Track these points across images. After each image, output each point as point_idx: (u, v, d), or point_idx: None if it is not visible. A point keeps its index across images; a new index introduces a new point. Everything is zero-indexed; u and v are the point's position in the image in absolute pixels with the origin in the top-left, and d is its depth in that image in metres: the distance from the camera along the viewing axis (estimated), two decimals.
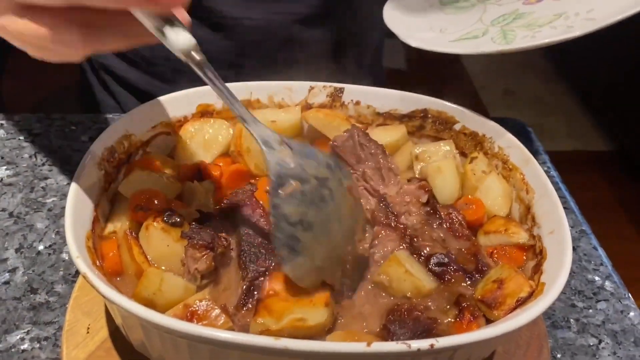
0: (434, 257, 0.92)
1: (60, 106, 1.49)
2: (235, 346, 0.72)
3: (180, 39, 0.73)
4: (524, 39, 1.05)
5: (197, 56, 0.76)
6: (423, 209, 0.98)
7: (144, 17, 0.71)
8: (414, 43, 1.13)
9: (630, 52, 3.61)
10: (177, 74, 1.56)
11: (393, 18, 1.23)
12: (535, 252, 0.93)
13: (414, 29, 1.19)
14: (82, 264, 0.79)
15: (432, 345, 0.72)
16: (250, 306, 0.81)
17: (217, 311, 0.83)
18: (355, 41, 1.62)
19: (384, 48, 1.85)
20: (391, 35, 1.21)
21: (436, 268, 0.91)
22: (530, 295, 0.84)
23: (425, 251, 0.94)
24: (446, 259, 0.92)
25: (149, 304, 0.81)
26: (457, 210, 1.00)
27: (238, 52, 1.49)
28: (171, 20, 0.72)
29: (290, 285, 0.82)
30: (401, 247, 0.94)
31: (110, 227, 0.95)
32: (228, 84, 1.12)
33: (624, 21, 0.99)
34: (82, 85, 1.75)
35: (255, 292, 0.83)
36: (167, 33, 0.72)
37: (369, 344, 0.71)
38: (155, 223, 0.90)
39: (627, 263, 1.47)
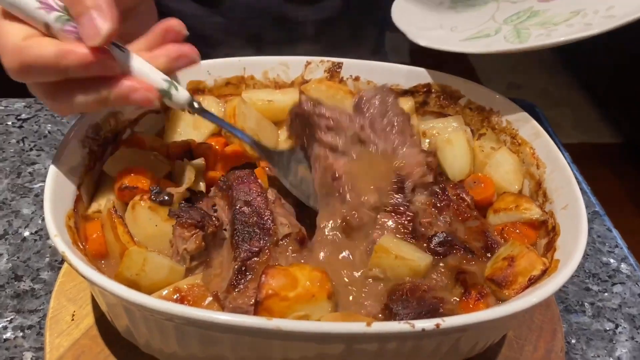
0: (436, 237, 0.86)
1: None
2: (224, 328, 0.66)
3: (181, 97, 0.82)
4: (538, 37, 0.98)
5: (195, 105, 0.84)
6: (429, 187, 0.92)
7: (153, 79, 0.79)
8: (423, 42, 1.07)
9: (637, 43, 3.55)
10: None
11: (401, 16, 1.17)
12: (547, 229, 0.87)
13: (424, 27, 1.14)
14: (61, 242, 0.74)
15: (437, 325, 0.66)
16: (242, 287, 0.76)
17: (210, 299, 0.77)
18: (352, 23, 1.56)
19: (388, 43, 1.79)
20: (396, 30, 1.15)
21: (439, 248, 0.86)
22: (544, 273, 0.78)
23: (423, 230, 0.88)
24: (448, 237, 0.86)
25: (133, 285, 0.76)
26: (465, 191, 0.94)
27: (226, 29, 1.42)
28: (172, 82, 0.81)
29: (287, 279, 0.75)
30: (402, 230, 0.88)
31: (94, 207, 0.89)
32: (219, 59, 1.07)
33: None
34: None
35: (248, 273, 0.77)
36: (172, 93, 0.80)
37: (368, 324, 0.66)
38: (142, 202, 0.85)
39: (638, 255, 1.40)
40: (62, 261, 1.03)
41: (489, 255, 0.86)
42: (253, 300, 0.74)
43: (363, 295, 0.82)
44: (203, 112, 0.86)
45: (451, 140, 1.00)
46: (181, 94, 0.81)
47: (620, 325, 0.98)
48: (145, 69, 0.78)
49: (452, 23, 1.14)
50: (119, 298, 0.67)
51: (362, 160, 0.91)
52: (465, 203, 0.93)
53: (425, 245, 0.86)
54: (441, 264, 0.85)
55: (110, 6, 0.71)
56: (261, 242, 0.79)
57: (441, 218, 0.90)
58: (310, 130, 0.93)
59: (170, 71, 0.81)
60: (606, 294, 1.04)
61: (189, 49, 0.82)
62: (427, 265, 0.82)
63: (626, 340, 0.96)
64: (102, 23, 0.70)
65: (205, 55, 1.09)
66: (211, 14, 1.40)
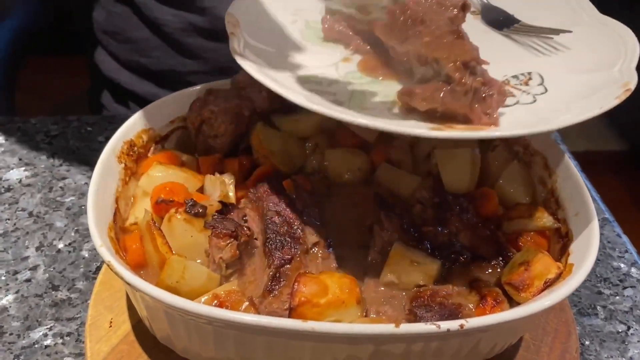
0: (442, 246, 0.92)
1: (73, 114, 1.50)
2: (262, 330, 0.71)
3: None
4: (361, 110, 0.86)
5: None
6: (432, 199, 0.97)
7: None
8: (242, 63, 0.89)
9: None
10: (186, 86, 1.57)
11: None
12: (560, 235, 0.92)
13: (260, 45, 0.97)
14: (106, 252, 0.79)
15: (462, 326, 0.71)
16: (276, 292, 0.81)
17: (247, 303, 0.82)
18: None
19: None
20: None
21: (446, 257, 0.91)
22: (559, 277, 0.83)
23: (431, 239, 0.93)
24: (455, 246, 0.92)
25: (173, 292, 0.80)
26: (467, 201, 0.99)
27: None
28: None
29: (318, 287, 0.80)
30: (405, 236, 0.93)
31: (131, 219, 0.95)
32: None
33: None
34: (93, 96, 1.76)
35: (282, 280, 0.82)
36: None
37: (397, 325, 0.70)
38: (177, 214, 0.90)
39: None
40: (96, 271, 1.08)
41: (502, 262, 0.91)
42: (287, 305, 0.79)
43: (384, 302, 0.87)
44: None
45: (455, 154, 1.03)
46: None
47: (632, 327, 1.03)
48: None
49: (290, 51, 1.00)
50: (164, 304, 0.72)
51: None
52: (470, 213, 0.97)
53: (432, 253, 0.91)
54: (453, 273, 0.90)
55: None
56: (292, 250, 0.85)
57: (446, 228, 0.94)
58: None
59: None
60: (617, 297, 1.08)
61: None
62: (437, 270, 0.88)
63: (638, 341, 1.01)
64: None
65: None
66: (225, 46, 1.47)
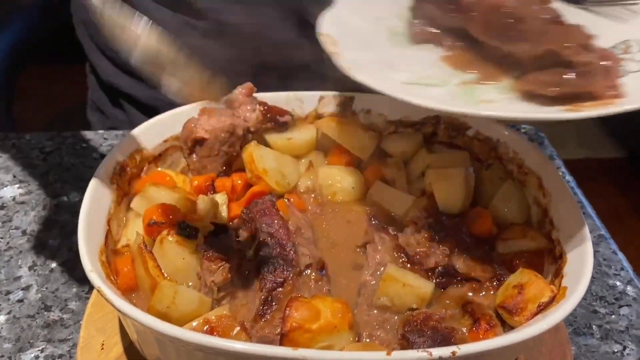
0: (437, 269, 0.91)
1: (71, 123, 1.50)
2: (252, 357, 0.71)
3: None
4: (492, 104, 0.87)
5: None
6: (426, 219, 0.97)
7: None
8: (361, 77, 0.89)
9: None
10: None
11: (338, 34, 0.99)
12: (554, 256, 0.92)
13: (361, 56, 0.96)
14: (96, 278, 0.79)
15: (454, 353, 0.71)
16: (268, 317, 0.80)
17: (238, 329, 0.81)
18: None
19: None
20: None
21: (439, 279, 0.91)
22: (552, 300, 0.82)
23: (418, 259, 0.93)
24: (448, 268, 0.91)
25: (164, 317, 0.80)
26: (461, 220, 0.98)
27: (236, 58, 1.48)
28: None
29: (310, 312, 0.79)
30: (398, 257, 0.93)
31: (123, 241, 0.94)
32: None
33: None
34: (92, 101, 1.76)
35: (274, 304, 0.81)
36: None
37: (388, 353, 0.70)
38: (169, 237, 0.89)
39: None
40: (89, 291, 1.08)
41: (495, 284, 0.90)
42: (279, 330, 0.78)
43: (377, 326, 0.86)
44: None
45: (448, 174, 1.02)
46: None
47: (628, 347, 1.02)
48: None
49: (389, 57, 1.00)
50: (154, 331, 0.72)
51: None
52: (464, 233, 0.96)
53: (425, 275, 0.91)
54: (446, 295, 0.89)
55: None
56: (285, 272, 0.84)
57: (439, 249, 0.94)
58: None
59: None
60: (613, 316, 1.07)
61: None
62: (430, 293, 0.87)
63: None
64: None
65: None
66: (222, 46, 1.46)
